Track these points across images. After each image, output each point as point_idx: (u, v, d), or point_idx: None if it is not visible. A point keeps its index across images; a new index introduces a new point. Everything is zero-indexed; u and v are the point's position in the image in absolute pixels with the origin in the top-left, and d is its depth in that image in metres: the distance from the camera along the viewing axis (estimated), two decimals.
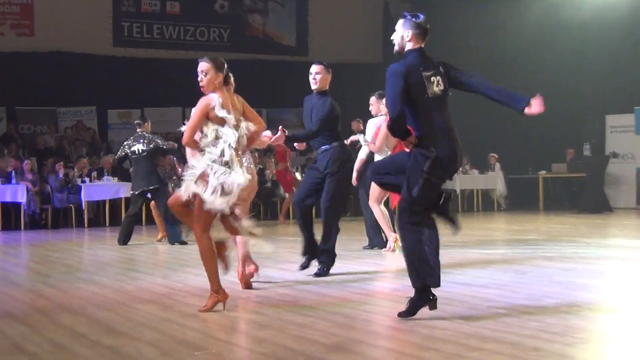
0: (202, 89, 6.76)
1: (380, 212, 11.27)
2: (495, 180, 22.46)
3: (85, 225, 18.54)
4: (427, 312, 6.17)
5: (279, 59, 25.44)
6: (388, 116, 6.19)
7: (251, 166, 7.64)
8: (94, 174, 19.19)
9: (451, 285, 7.73)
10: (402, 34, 6.44)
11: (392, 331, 5.81)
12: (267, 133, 8.32)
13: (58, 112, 23.42)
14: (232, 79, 7.10)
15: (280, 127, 8.73)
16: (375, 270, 9.50)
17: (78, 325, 6.18)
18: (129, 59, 23.79)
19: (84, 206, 18.57)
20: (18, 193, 17.87)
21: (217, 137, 6.61)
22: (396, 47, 6.50)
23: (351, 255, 10.97)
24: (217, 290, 6.71)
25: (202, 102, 6.65)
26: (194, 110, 6.70)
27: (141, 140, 13.72)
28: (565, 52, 21.87)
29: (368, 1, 26.19)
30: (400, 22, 6.48)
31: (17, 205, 18.10)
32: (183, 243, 13.22)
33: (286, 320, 6.26)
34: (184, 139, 6.70)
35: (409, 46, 6.44)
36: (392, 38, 6.55)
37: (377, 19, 26.49)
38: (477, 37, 22.90)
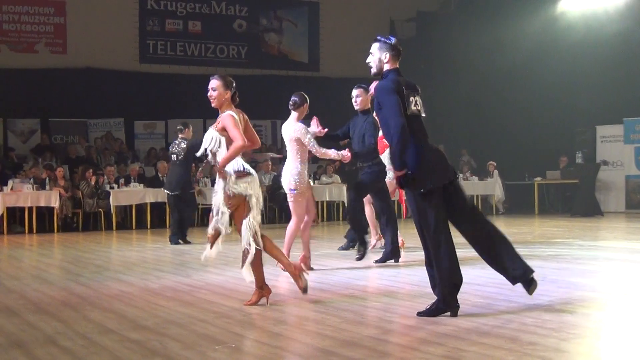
0: (212, 104, 6.88)
1: (370, 211, 11.41)
2: (494, 186, 22.41)
3: (114, 228, 18.56)
4: None
5: (293, 74, 25.48)
6: (393, 128, 5.98)
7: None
8: (122, 180, 19.23)
9: None
10: (380, 57, 6.33)
11: (398, 327, 5.79)
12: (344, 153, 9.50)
13: (88, 124, 23.49)
14: (237, 96, 7.10)
15: (347, 149, 9.60)
16: (381, 268, 9.47)
17: (107, 321, 6.18)
18: (154, 75, 23.85)
19: (112, 210, 18.60)
20: (51, 198, 17.92)
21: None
22: (374, 70, 6.37)
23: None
24: (262, 286, 6.85)
25: (232, 117, 6.66)
26: (230, 125, 6.63)
27: (171, 148, 14.14)
28: (559, 67, 21.82)
29: (375, 20, 26.20)
30: (376, 45, 6.37)
31: (50, 209, 18.16)
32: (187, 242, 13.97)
33: (300, 316, 6.25)
34: (243, 142, 6.61)
35: (386, 67, 6.33)
36: (367, 61, 6.41)
37: None
38: (476, 54, 22.86)
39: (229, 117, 6.70)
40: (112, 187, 18.80)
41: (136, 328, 5.88)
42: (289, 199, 9.13)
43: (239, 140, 6.59)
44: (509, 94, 22.96)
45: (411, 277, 8.57)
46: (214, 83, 6.85)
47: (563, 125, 22.24)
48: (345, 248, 11.94)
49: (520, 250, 11.14)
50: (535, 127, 22.45)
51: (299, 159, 9.08)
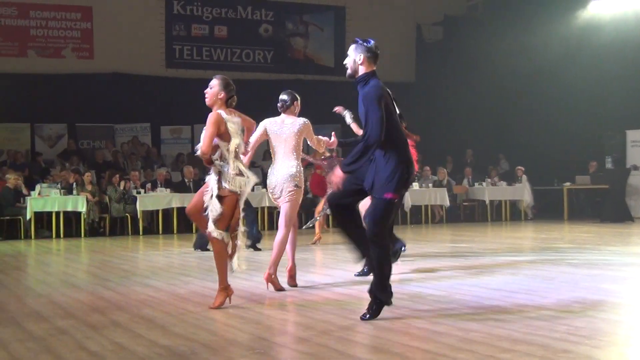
0: (205, 100, 7.12)
1: None
2: (522, 192, 22.28)
3: (140, 233, 18.64)
4: (462, 315, 6.12)
5: (319, 79, 25.49)
6: (369, 139, 6.08)
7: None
8: (148, 185, 19.31)
9: (483, 291, 7.69)
10: (354, 58, 6.35)
11: (428, 333, 5.76)
12: (325, 138, 8.78)
13: (115, 129, 23.62)
14: (235, 101, 7.22)
15: (332, 133, 9.12)
16: (409, 273, 9.44)
17: (135, 326, 6.21)
18: (180, 80, 23.93)
19: (139, 215, 18.68)
20: (79, 203, 18.04)
21: (224, 153, 6.95)
22: (349, 71, 6.42)
23: None
24: (226, 287, 7.10)
25: (214, 116, 6.94)
26: (207, 123, 6.90)
27: None
28: (588, 71, 21.66)
29: (401, 25, 26.17)
30: (352, 47, 6.41)
31: (77, 214, 18.27)
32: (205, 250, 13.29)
33: (329, 322, 6.24)
34: (204, 148, 6.84)
35: (361, 69, 6.33)
36: (344, 63, 6.46)
37: (409, 40, 26.51)
38: (503, 58, 22.76)
39: (212, 115, 6.94)
40: (138, 192, 18.89)
41: (165, 333, 5.90)
42: (289, 199, 8.24)
43: (204, 146, 6.84)
44: (537, 98, 22.84)
45: (440, 282, 8.53)
46: (213, 82, 7.14)
47: (592, 130, 22.07)
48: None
49: (550, 257, 11.14)
50: (564, 132, 22.30)
51: (298, 157, 8.34)
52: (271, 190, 8.36)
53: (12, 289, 8.93)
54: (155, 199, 18.85)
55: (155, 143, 23.73)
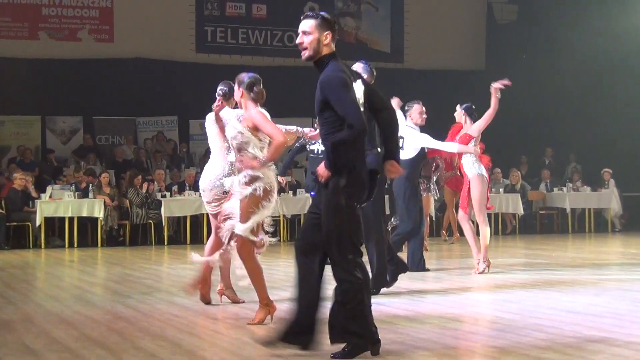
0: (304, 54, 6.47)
1: (470, 228, 11.44)
2: (610, 198, 22.02)
3: (165, 242, 18.71)
4: (537, 343, 6.08)
5: (373, 66, 25.42)
6: (353, 127, 5.62)
7: None
8: (175, 188, 19.37)
9: (561, 314, 7.62)
10: (319, 37, 5.90)
11: None
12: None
13: (137, 123, 23.76)
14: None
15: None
16: (475, 293, 9.39)
17: (159, 350, 6.24)
18: (213, 66, 23.98)
19: (164, 222, 18.75)
20: (95, 208, 18.12)
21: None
22: (309, 53, 5.95)
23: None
24: (268, 303, 7.41)
25: (262, 114, 7.29)
26: (263, 120, 7.23)
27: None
28: None
29: (469, 3, 26.01)
30: (312, 22, 5.97)
31: (94, 220, 18.39)
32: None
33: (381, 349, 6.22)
34: (284, 139, 7.17)
35: (325, 51, 5.92)
36: (300, 42, 6.00)
37: (479, 22, 26.31)
38: (587, 41, 22.55)
39: (260, 114, 7.26)
40: (163, 196, 18.96)
41: (193, 359, 5.93)
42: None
43: (279, 137, 7.05)
44: (625, 88, 22.55)
45: (512, 304, 8.48)
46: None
47: None
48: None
49: None
50: None
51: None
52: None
53: (19, 305, 9.03)
54: (182, 204, 18.92)
55: (184, 139, 23.84)
